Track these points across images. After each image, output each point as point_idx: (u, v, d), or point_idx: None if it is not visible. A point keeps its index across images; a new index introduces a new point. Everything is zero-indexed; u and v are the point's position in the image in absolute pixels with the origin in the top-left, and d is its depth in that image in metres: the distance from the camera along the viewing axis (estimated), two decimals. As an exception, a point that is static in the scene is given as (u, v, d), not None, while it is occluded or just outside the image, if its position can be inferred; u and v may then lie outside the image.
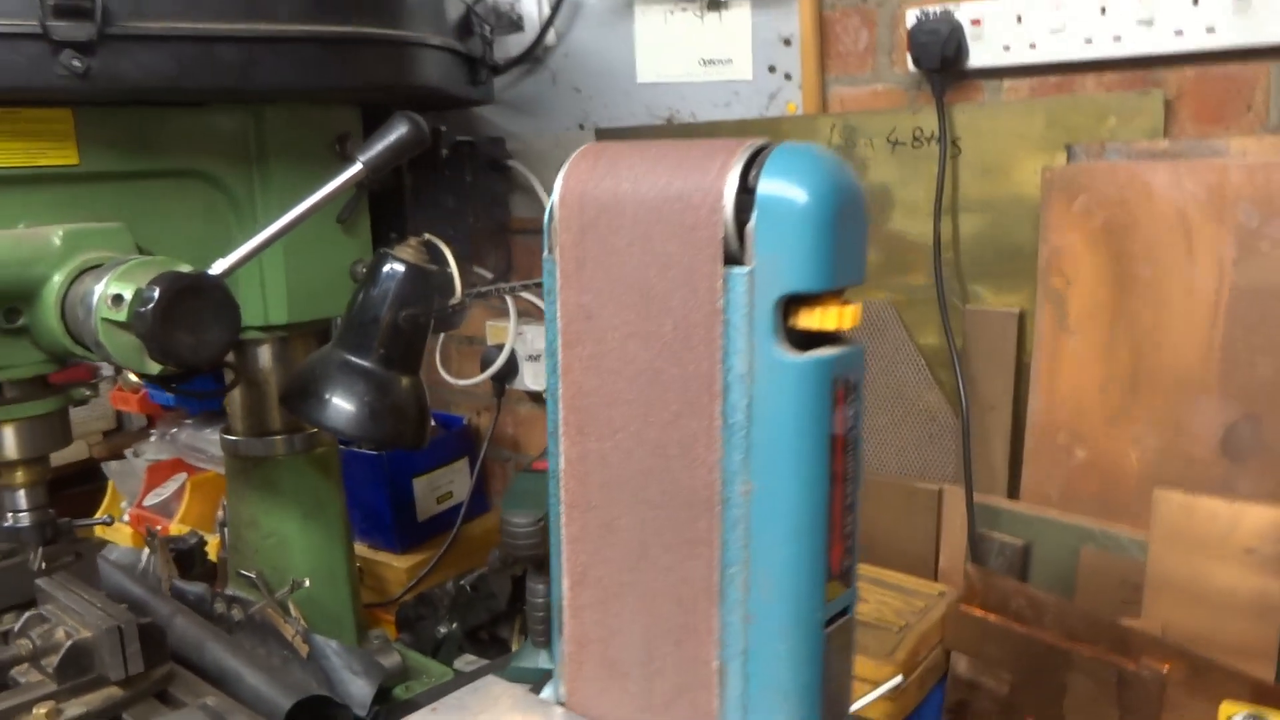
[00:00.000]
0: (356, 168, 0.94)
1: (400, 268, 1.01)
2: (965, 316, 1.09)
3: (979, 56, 1.02)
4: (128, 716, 0.93)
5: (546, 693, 0.64)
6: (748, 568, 0.52)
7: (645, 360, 0.54)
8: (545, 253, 0.58)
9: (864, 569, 1.11)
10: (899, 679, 0.91)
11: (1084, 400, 1.00)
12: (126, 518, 1.86)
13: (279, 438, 1.17)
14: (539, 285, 1.38)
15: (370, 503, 1.51)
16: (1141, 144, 0.96)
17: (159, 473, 1.86)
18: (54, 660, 0.91)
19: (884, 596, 1.05)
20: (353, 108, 1.15)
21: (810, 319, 0.50)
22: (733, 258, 0.50)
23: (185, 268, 0.87)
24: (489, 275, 1.52)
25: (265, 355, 1.17)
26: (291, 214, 0.92)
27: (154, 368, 0.86)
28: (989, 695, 0.98)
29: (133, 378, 1.94)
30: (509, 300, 1.52)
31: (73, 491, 2.12)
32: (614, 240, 0.54)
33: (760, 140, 0.51)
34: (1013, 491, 1.07)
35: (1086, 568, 0.99)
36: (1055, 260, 1.01)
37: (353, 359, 1.01)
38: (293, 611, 1.14)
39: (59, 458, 2.25)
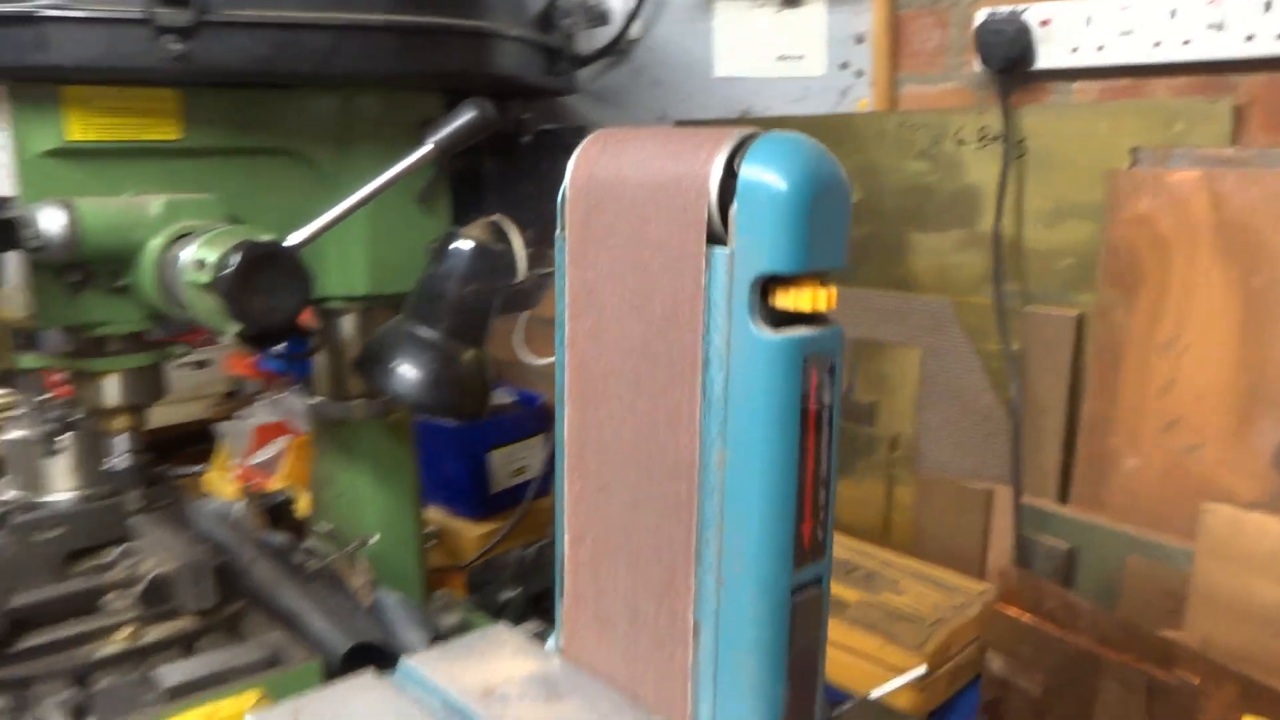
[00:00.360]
0: (427, 148, 1.00)
1: (467, 246, 1.07)
2: (1024, 319, 1.09)
3: (1047, 58, 1.02)
4: (199, 645, 1.02)
5: (549, 644, 0.68)
6: (721, 533, 0.55)
7: (638, 334, 0.58)
8: (557, 232, 0.62)
9: (909, 563, 1.12)
10: (922, 669, 0.92)
11: (1138, 407, 0.99)
12: (234, 475, 1.99)
13: (357, 403, 1.25)
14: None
15: (450, 473, 1.58)
16: (1209, 151, 0.94)
17: (265, 434, 1.99)
18: (138, 589, 1.01)
19: (924, 590, 1.06)
20: (436, 94, 1.21)
21: (786, 299, 0.52)
22: (716, 239, 0.53)
23: (264, 237, 0.94)
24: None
25: (348, 325, 1.24)
26: (363, 191, 0.99)
27: (232, 328, 0.94)
28: (1022, 696, 0.98)
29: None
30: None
31: (190, 450, 2.28)
32: (614, 221, 0.58)
33: (751, 130, 0.54)
34: (1063, 496, 1.06)
35: (1132, 576, 0.98)
36: (1116, 265, 1.00)
37: (419, 331, 1.07)
38: (360, 565, 1.21)
39: (179, 416, 2.42)
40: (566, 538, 0.65)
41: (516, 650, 0.67)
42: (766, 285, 0.53)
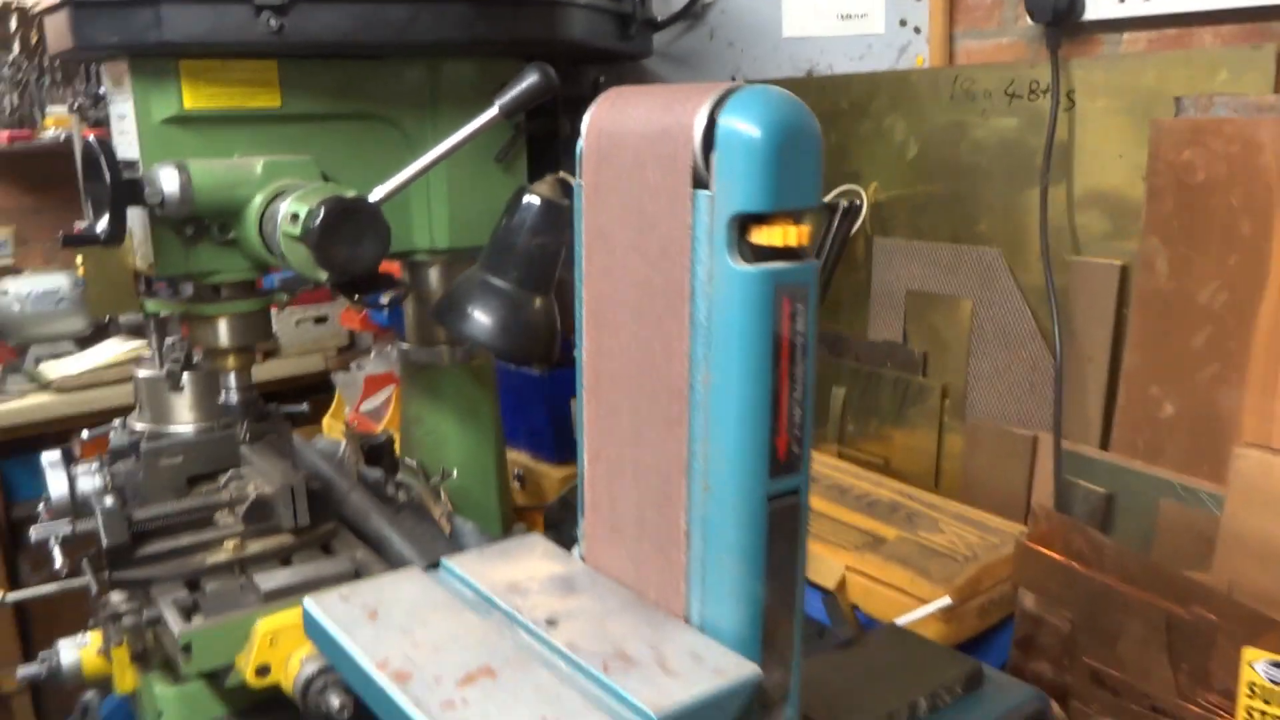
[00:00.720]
0: (492, 111, 1.08)
1: (535, 201, 1.15)
2: (1070, 268, 1.11)
3: (1095, 9, 1.03)
4: (295, 559, 1.14)
5: (576, 551, 0.76)
6: (707, 446, 0.62)
7: (639, 270, 0.65)
8: (575, 179, 0.69)
9: (953, 505, 1.16)
10: (946, 601, 0.97)
11: (1178, 355, 1.00)
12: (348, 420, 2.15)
13: (443, 348, 1.36)
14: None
15: (534, 419, 1.69)
16: (1250, 99, 0.94)
17: (374, 383, 2.14)
18: (243, 508, 1.14)
19: (962, 531, 1.10)
20: (516, 60, 1.30)
21: (761, 236, 0.59)
22: (700, 183, 0.60)
23: (350, 193, 1.05)
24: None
25: (433, 276, 1.35)
26: (437, 150, 1.08)
27: (321, 275, 1.05)
28: (1053, 631, 1.02)
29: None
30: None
31: (310, 398, 2.45)
32: (620, 169, 0.65)
33: (735, 84, 0.60)
34: (1104, 442, 1.08)
35: (1165, 519, 1.00)
36: (1159, 214, 1.01)
37: (491, 280, 1.17)
38: (442, 497, 1.32)
39: (301, 367, 2.60)
40: (585, 456, 0.73)
41: (544, 555, 0.76)
42: (744, 223, 0.59)
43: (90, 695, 1.98)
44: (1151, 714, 0.92)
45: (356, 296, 1.36)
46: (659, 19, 1.50)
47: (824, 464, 1.28)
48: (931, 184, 1.23)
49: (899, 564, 1.04)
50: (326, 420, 2.17)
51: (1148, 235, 1.01)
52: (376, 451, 1.58)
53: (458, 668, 0.61)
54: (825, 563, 1.10)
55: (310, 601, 0.69)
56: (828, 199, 1.31)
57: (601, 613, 0.67)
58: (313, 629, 0.68)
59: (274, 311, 1.41)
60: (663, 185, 0.62)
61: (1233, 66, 0.95)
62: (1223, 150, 0.95)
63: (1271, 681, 0.76)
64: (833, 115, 1.31)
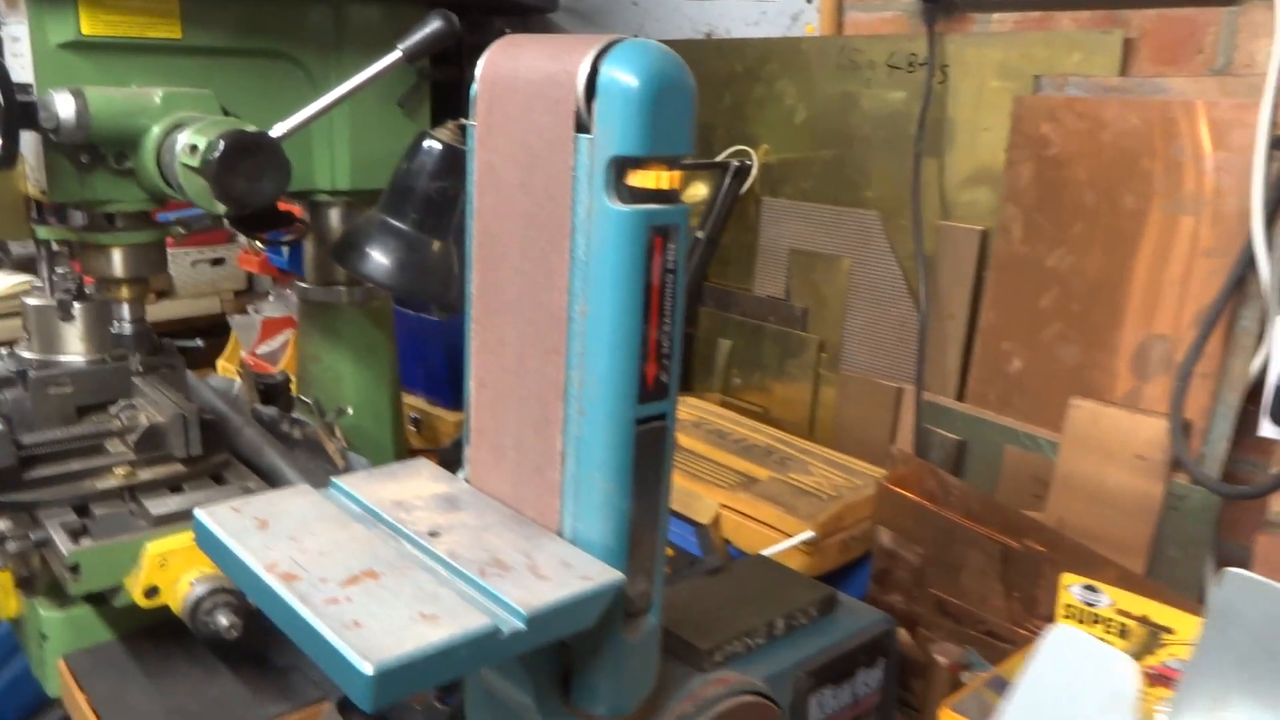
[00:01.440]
0: (395, 54, 1.11)
1: (436, 145, 1.18)
2: (939, 232, 1.19)
3: (968, -11, 1.11)
4: (186, 487, 1.16)
5: (461, 473, 0.81)
6: (582, 372, 0.67)
7: (525, 207, 0.69)
8: (468, 121, 0.73)
9: (825, 451, 1.24)
10: (809, 534, 1.05)
11: (1025, 314, 1.09)
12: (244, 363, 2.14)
13: (342, 289, 1.38)
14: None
15: (432, 364, 1.72)
16: (1098, 79, 1.03)
17: (272, 327, 2.13)
18: (134, 436, 1.15)
19: (829, 473, 1.18)
20: (422, 6, 1.31)
21: (636, 179, 0.64)
22: (583, 127, 0.65)
23: (250, 128, 1.06)
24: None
25: (334, 216, 1.37)
26: (339, 90, 1.10)
27: (219, 208, 1.06)
28: (906, 565, 1.11)
29: (257, 244, 2.20)
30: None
31: (207, 340, 2.42)
32: (510, 112, 0.69)
33: (615, 36, 0.65)
34: (960, 393, 1.17)
35: (1009, 464, 1.10)
36: (1016, 183, 1.10)
37: (390, 221, 1.19)
38: (337, 433, 1.35)
39: (197, 309, 2.56)
40: (472, 384, 0.77)
41: (430, 476, 0.80)
42: (622, 166, 0.64)
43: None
44: (987, 638, 1.02)
45: (257, 234, 1.37)
46: (565, -26, 1.53)
47: (708, 411, 1.35)
48: (818, 148, 1.30)
49: (769, 502, 1.11)
50: (220, 363, 2.16)
51: (1006, 203, 1.09)
52: (273, 391, 1.59)
53: (343, 570, 0.65)
54: (701, 500, 1.17)
55: (201, 512, 0.72)
56: (720, 158, 1.37)
57: (481, 526, 0.72)
58: (204, 538, 0.72)
59: (169, 250, 1.41)
60: (548, 128, 0.66)
61: (1086, 49, 1.03)
62: (1073, 126, 1.03)
63: (1085, 603, 0.86)
64: (728, 78, 1.36)
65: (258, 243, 1.97)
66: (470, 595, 0.64)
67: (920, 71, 1.16)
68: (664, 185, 0.64)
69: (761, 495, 1.13)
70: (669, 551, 1.11)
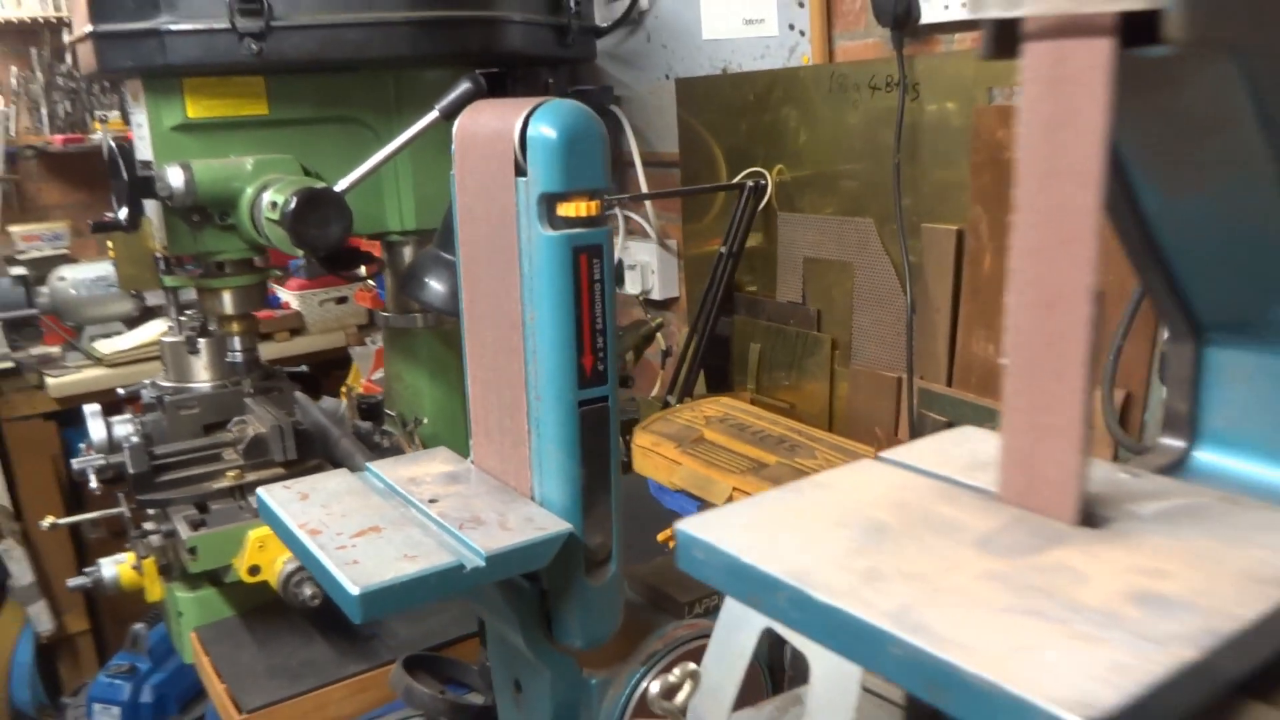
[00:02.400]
0: (433, 114, 1.31)
1: (477, 188, 1.37)
2: (923, 233, 1.30)
3: (928, 14, 1.23)
4: (284, 486, 1.39)
5: (470, 457, 0.99)
6: (536, 365, 0.84)
7: (490, 237, 0.87)
8: (451, 171, 0.92)
9: (834, 439, 1.37)
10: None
11: (996, 306, 1.20)
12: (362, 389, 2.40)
13: (417, 315, 1.60)
14: (638, 201, 1.71)
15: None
16: (1042, 87, 1.13)
17: (383, 356, 2.39)
18: (243, 445, 1.39)
19: (832, 456, 1.31)
20: (469, 68, 1.52)
21: (563, 209, 0.81)
22: (520, 171, 0.82)
23: (319, 184, 1.28)
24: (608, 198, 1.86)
25: (406, 253, 1.59)
26: (389, 148, 1.31)
27: (298, 251, 1.29)
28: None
29: (370, 282, 2.47)
30: (620, 219, 1.86)
31: (334, 370, 2.71)
32: (476, 161, 0.87)
33: (543, 99, 0.82)
34: (950, 380, 1.28)
35: (989, 442, 1.20)
36: (980, 186, 1.21)
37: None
38: (416, 440, 1.56)
39: (324, 343, 2.86)
40: (470, 380, 0.96)
41: (443, 460, 0.99)
42: (552, 201, 0.81)
43: (139, 626, 2.27)
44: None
45: (339, 271, 1.60)
46: (603, 25, 1.71)
47: (735, 408, 1.49)
48: (820, 166, 1.43)
49: (772, 483, 1.25)
50: (342, 389, 2.43)
51: (973, 204, 1.20)
52: (372, 409, 1.83)
53: (355, 526, 0.84)
54: (716, 484, 1.32)
55: (262, 490, 0.92)
56: (736, 180, 1.52)
57: (471, 494, 0.90)
58: (263, 509, 0.92)
59: (293, 292, 1.65)
60: (498, 173, 0.84)
61: (1032, 61, 1.14)
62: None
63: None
64: (742, 107, 1.51)
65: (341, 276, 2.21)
66: (448, 543, 0.81)
67: (896, 90, 1.29)
68: (585, 213, 0.80)
69: (767, 477, 1.27)
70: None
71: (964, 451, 0.46)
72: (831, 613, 0.33)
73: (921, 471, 0.45)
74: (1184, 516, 0.37)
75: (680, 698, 0.56)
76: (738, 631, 0.47)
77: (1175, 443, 0.49)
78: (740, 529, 0.41)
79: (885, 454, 0.47)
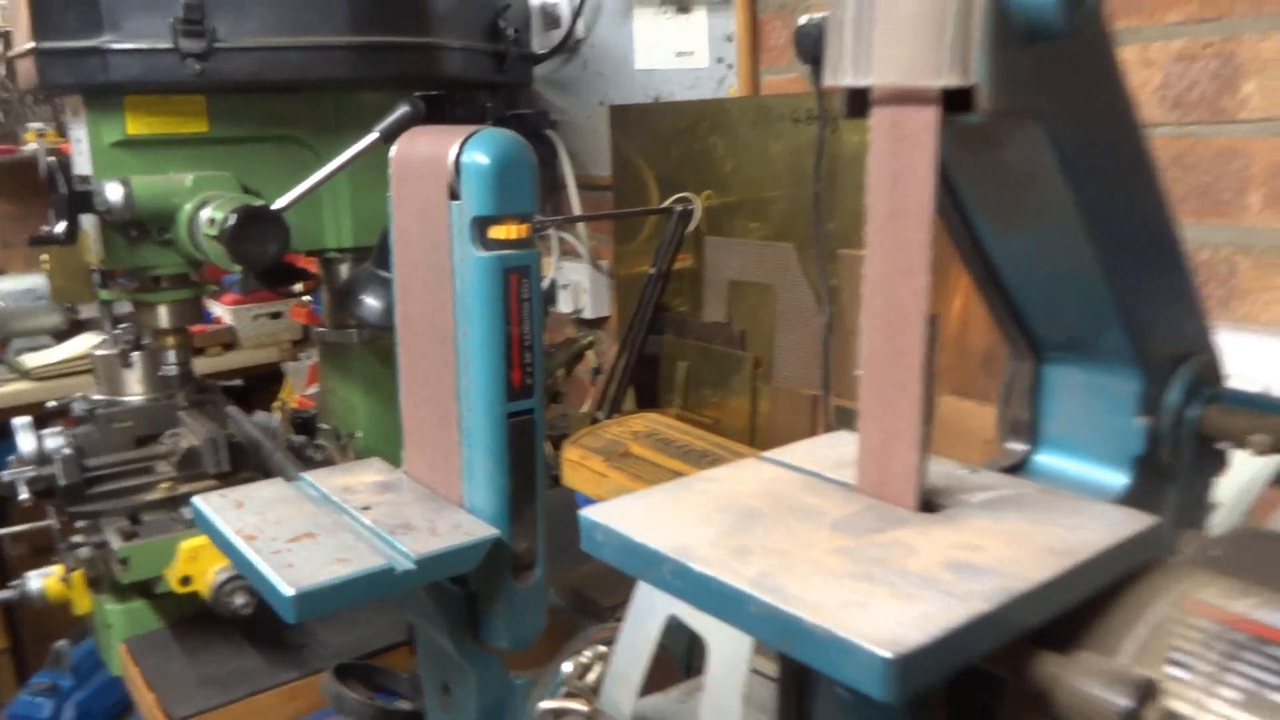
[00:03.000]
0: (373, 136, 1.35)
1: (413, 208, 1.41)
2: (840, 259, 1.38)
3: (845, 53, 1.30)
4: (218, 497, 1.41)
5: (403, 466, 1.03)
6: (467, 379, 0.89)
7: (424, 257, 0.91)
8: (388, 192, 0.96)
9: (750, 451, 1.42)
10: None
11: (908, 326, 1.27)
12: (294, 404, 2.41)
13: (353, 330, 1.63)
14: (570, 222, 1.76)
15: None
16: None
17: (317, 371, 2.40)
18: (176, 458, 1.40)
19: (753, 471, 1.37)
20: (410, 90, 1.56)
21: (494, 232, 0.85)
22: (454, 195, 0.87)
23: (257, 202, 1.32)
24: (542, 220, 1.91)
25: (344, 270, 1.62)
26: (327, 169, 1.35)
27: (235, 267, 1.31)
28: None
29: (306, 298, 2.47)
30: (555, 240, 1.91)
31: (268, 386, 2.71)
32: (411, 185, 0.92)
33: (475, 128, 0.87)
34: (864, 398, 1.35)
35: (899, 457, 1.27)
36: (893, 215, 1.28)
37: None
38: (350, 455, 1.59)
39: (258, 358, 2.85)
40: (403, 393, 1.00)
41: (377, 470, 1.02)
42: (484, 224, 0.86)
43: (62, 643, 2.25)
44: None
45: (277, 287, 1.63)
46: (540, 52, 1.77)
47: (662, 424, 1.55)
48: (744, 192, 1.50)
49: (695, 495, 1.30)
50: (276, 404, 2.44)
51: (886, 232, 1.28)
52: (306, 423, 1.85)
53: (290, 533, 0.87)
54: (642, 496, 1.36)
55: (197, 499, 0.95)
56: (666, 204, 1.58)
57: (403, 502, 0.94)
58: (199, 517, 0.94)
59: (227, 307, 1.66)
60: (433, 196, 0.89)
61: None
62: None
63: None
64: (672, 135, 1.57)
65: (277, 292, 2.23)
66: (380, 547, 0.85)
67: (818, 123, 1.36)
68: (514, 236, 0.85)
69: (690, 490, 1.32)
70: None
71: (834, 452, 0.52)
72: (705, 580, 0.38)
73: (795, 468, 0.51)
74: (1005, 504, 0.44)
75: (591, 677, 0.60)
76: (644, 620, 0.52)
77: (1019, 447, 0.56)
78: (634, 515, 0.46)
79: (766, 454, 0.53)
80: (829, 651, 0.33)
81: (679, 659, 1.05)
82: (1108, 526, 0.41)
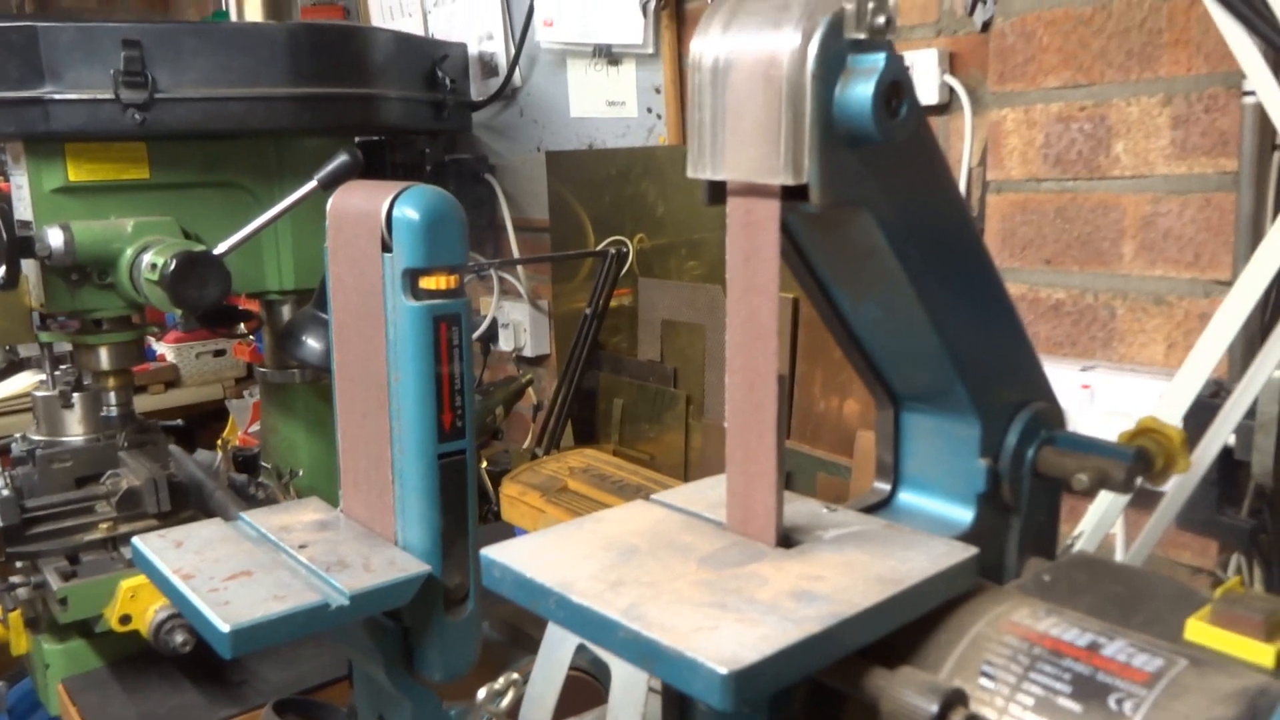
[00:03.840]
0: (311, 184, 1.39)
1: (353, 252, 1.45)
2: (765, 300, 1.44)
3: (766, 106, 1.37)
4: (158, 537, 1.42)
5: (340, 506, 1.07)
6: (400, 422, 0.93)
7: (359, 305, 0.96)
8: (325, 243, 1.01)
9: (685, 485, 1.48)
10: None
11: (827, 363, 1.34)
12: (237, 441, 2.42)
13: (295, 371, 1.66)
14: (509, 264, 1.81)
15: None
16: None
17: (259, 409, 2.42)
18: (116, 498, 1.42)
19: (684, 504, 1.42)
20: (349, 138, 1.61)
21: (425, 282, 0.90)
22: (386, 248, 0.91)
23: (198, 247, 1.35)
24: (481, 260, 1.96)
25: (286, 311, 1.65)
26: (267, 215, 1.39)
27: (175, 310, 1.34)
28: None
29: (250, 336, 2.49)
30: (495, 281, 1.96)
31: (211, 424, 2.72)
32: (347, 236, 0.96)
33: (408, 185, 0.92)
34: (789, 434, 1.41)
35: (821, 488, 1.33)
36: (813, 259, 1.35)
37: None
38: (291, 491, 1.62)
39: (202, 395, 2.85)
40: (340, 435, 1.03)
41: (315, 509, 1.06)
42: (415, 275, 0.90)
43: (-1, 685, 2.22)
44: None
45: (218, 329, 1.66)
46: (478, 99, 1.82)
47: (598, 459, 1.60)
48: (675, 235, 1.56)
49: (627, 528, 1.35)
50: (219, 442, 2.45)
51: (806, 275, 1.35)
52: (248, 462, 1.87)
53: (227, 570, 0.90)
54: (576, 530, 1.41)
55: (137, 539, 0.98)
56: (599, 247, 1.64)
57: (339, 540, 0.97)
58: (138, 556, 0.97)
59: (170, 345, 1.68)
60: (366, 248, 0.94)
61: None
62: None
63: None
64: (605, 180, 1.64)
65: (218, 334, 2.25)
66: (316, 584, 0.89)
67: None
68: (444, 286, 0.90)
69: (623, 523, 1.37)
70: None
71: (715, 494, 0.58)
72: (582, 610, 0.44)
73: (677, 509, 0.56)
74: (852, 539, 0.49)
75: (505, 703, 0.65)
76: (557, 648, 0.57)
77: (884, 486, 0.62)
78: (528, 553, 0.51)
79: (654, 496, 0.58)
80: (680, 669, 0.39)
81: (606, 686, 1.10)
82: (932, 558, 0.47)
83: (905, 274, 0.50)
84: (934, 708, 0.39)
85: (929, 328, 0.52)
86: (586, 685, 1.07)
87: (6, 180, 1.67)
